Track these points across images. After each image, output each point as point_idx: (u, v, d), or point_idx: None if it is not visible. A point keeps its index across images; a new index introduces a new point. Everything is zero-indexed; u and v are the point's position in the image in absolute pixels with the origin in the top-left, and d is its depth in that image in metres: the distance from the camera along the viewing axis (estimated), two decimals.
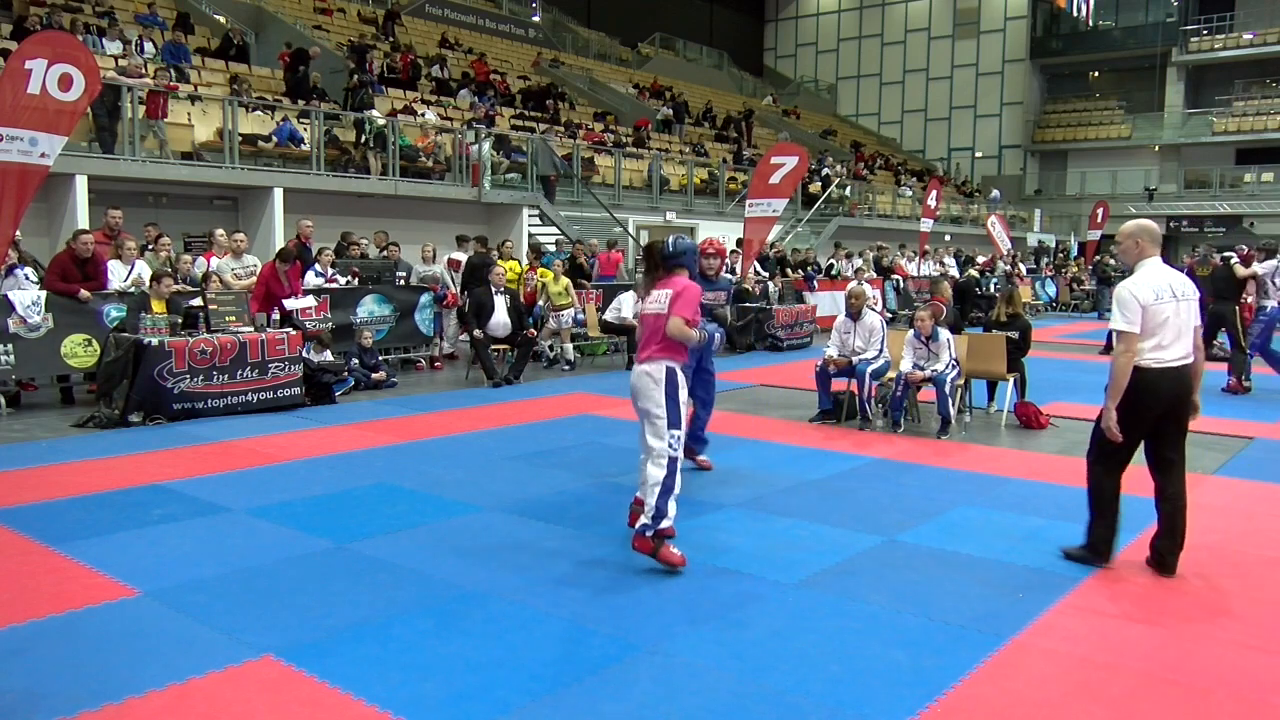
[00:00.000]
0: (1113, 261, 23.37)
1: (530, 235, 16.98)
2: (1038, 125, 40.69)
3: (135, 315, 8.45)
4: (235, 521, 5.35)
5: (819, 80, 44.26)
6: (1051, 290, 25.23)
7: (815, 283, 17.89)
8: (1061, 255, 31.22)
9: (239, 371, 8.52)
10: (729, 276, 15.83)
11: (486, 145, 16.68)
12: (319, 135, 14.49)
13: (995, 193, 35.12)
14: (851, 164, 30.66)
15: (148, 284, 9.23)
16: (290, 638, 3.77)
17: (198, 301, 8.93)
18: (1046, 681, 3.52)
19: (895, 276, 20.14)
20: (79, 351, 8.84)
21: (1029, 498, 6.04)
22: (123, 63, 13.39)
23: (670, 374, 4.58)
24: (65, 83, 8.07)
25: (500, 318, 10.81)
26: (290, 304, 9.66)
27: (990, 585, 4.47)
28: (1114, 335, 4.57)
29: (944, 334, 8.21)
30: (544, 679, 3.45)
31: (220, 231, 11.25)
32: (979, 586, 4.45)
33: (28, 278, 9.06)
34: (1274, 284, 10.98)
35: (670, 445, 4.53)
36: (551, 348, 12.59)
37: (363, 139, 15.38)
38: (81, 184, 11.63)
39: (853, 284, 9.38)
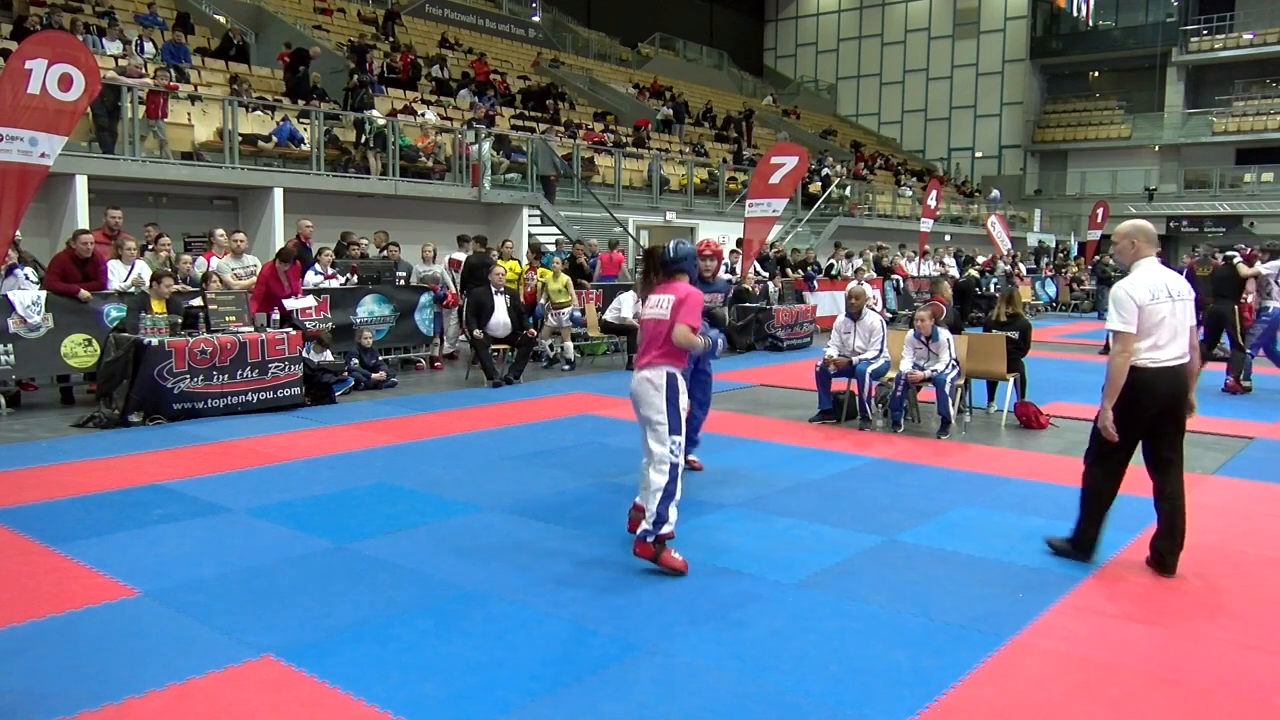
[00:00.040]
0: (1112, 261, 23.37)
1: (530, 235, 16.98)
2: (1038, 125, 40.69)
3: (135, 315, 8.45)
4: (235, 521, 5.35)
5: (819, 80, 44.26)
6: (1051, 290, 25.24)
7: (815, 283, 17.89)
8: (1061, 255, 31.23)
9: (239, 371, 8.52)
10: (727, 277, 15.87)
11: (486, 145, 16.68)
12: (319, 135, 14.49)
13: (995, 193, 35.12)
14: (851, 164, 30.66)
15: (148, 284, 9.23)
16: (290, 638, 3.77)
17: (198, 301, 8.94)
18: (1046, 681, 3.52)
19: (895, 276, 20.15)
20: (79, 351, 8.84)
21: (1029, 498, 6.04)
22: (123, 63, 13.39)
23: (671, 380, 4.58)
24: (65, 83, 8.07)
25: (500, 318, 10.81)
26: (290, 304, 9.66)
27: (990, 585, 4.47)
28: (1110, 335, 4.58)
29: (944, 334, 8.21)
30: (544, 679, 3.45)
31: (220, 231, 11.25)
32: (979, 586, 4.45)
33: (28, 278, 9.06)
34: (1277, 284, 10.98)
35: (672, 451, 4.54)
36: (552, 347, 12.60)
37: (363, 139, 15.38)
38: (81, 184, 11.63)
39: (853, 284, 9.38)
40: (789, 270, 17.96)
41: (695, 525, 5.24)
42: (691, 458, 6.77)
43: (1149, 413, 4.52)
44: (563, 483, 6.34)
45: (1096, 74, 41.52)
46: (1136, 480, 4.80)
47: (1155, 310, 4.45)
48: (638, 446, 4.80)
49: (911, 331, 8.35)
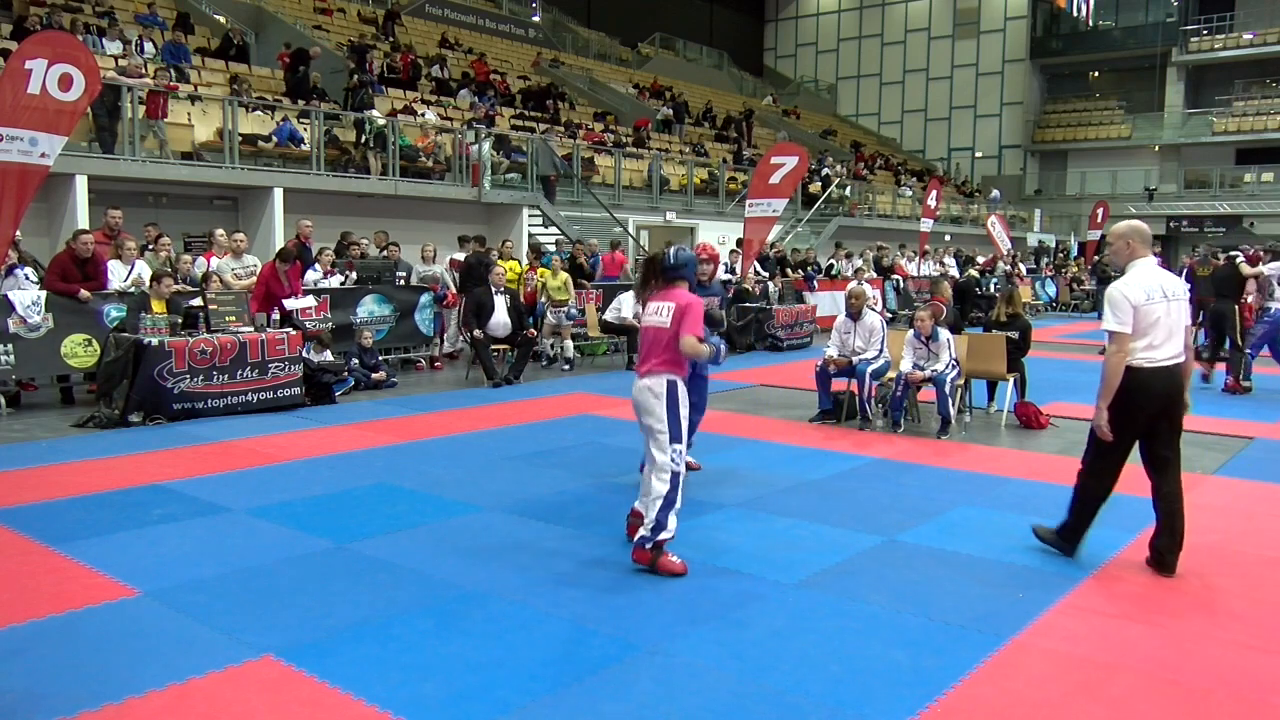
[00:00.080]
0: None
1: (530, 235, 16.98)
2: (1038, 125, 40.69)
3: (135, 315, 8.45)
4: (235, 521, 5.35)
5: (819, 80, 44.26)
6: (1051, 290, 25.24)
7: (815, 283, 17.89)
8: (1061, 255, 31.23)
9: (239, 371, 8.52)
10: (726, 277, 15.88)
11: (486, 145, 16.68)
12: (319, 135, 14.49)
13: (995, 193, 35.13)
14: (851, 164, 30.66)
15: (148, 284, 9.23)
16: (290, 638, 3.77)
17: (198, 301, 8.94)
18: (1046, 681, 3.52)
19: (895, 276, 20.14)
20: (79, 351, 8.84)
21: (1029, 498, 6.04)
22: (123, 63, 13.39)
23: (671, 387, 4.57)
24: (65, 83, 8.07)
25: (500, 318, 10.81)
26: (290, 304, 9.67)
27: (990, 585, 4.47)
28: (1106, 335, 4.59)
29: (944, 334, 8.21)
30: (544, 679, 3.45)
31: (220, 231, 11.25)
32: (979, 586, 4.45)
33: (28, 278, 9.06)
34: (1279, 285, 10.99)
35: (673, 459, 4.54)
36: (552, 346, 12.60)
37: (363, 139, 15.38)
38: (81, 184, 11.63)
39: (853, 284, 9.38)
40: (789, 270, 17.96)
41: (695, 525, 5.24)
42: (688, 458, 6.77)
43: (1146, 413, 4.54)
44: (563, 483, 6.34)
45: (1096, 74, 41.52)
46: (1135, 480, 4.81)
47: (1150, 310, 4.47)
48: (637, 447, 4.80)
49: (911, 331, 8.35)
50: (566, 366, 12.31)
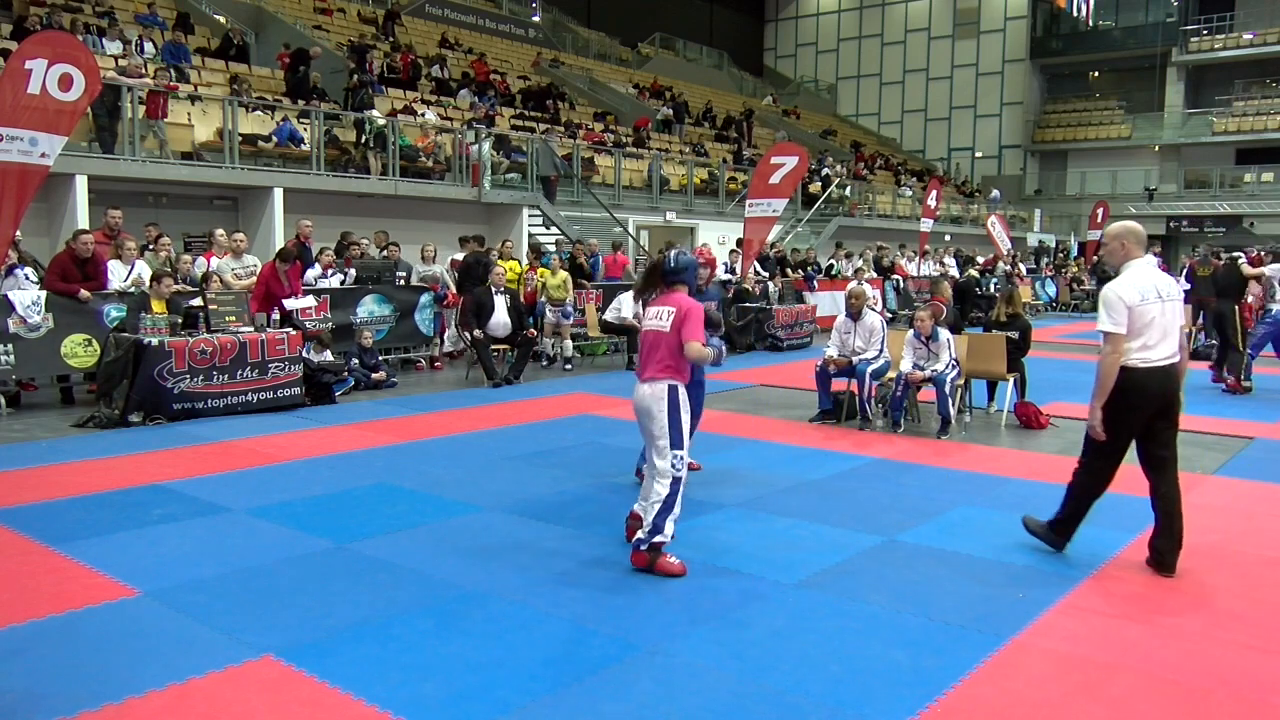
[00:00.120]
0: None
1: (530, 235, 16.98)
2: (1038, 125, 40.69)
3: (135, 315, 8.45)
4: (235, 521, 5.35)
5: (819, 80, 44.26)
6: (1051, 290, 25.24)
7: (815, 283, 17.89)
8: (1061, 255, 31.23)
9: (239, 371, 8.52)
10: (726, 277, 15.89)
11: (486, 145, 16.68)
12: (319, 135, 14.49)
13: (995, 193, 35.12)
14: (851, 164, 30.66)
15: (148, 284, 9.23)
16: (290, 638, 3.77)
17: (198, 301, 8.94)
18: (1046, 681, 3.52)
19: (895, 276, 20.15)
20: (79, 351, 8.84)
21: (1029, 498, 6.03)
22: (123, 63, 13.39)
23: (672, 392, 4.57)
24: (65, 83, 8.08)
25: (500, 318, 10.81)
26: (290, 304, 9.67)
27: (990, 585, 4.47)
28: (1101, 336, 4.60)
29: (944, 334, 8.21)
30: (544, 679, 3.45)
31: (220, 231, 11.25)
32: (979, 586, 4.46)
33: (28, 278, 9.06)
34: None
35: (673, 465, 4.54)
36: (553, 346, 12.60)
37: (363, 139, 15.38)
38: (81, 184, 11.63)
39: (853, 284, 9.38)
40: (789, 270, 17.96)
41: (695, 525, 5.24)
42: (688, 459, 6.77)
43: (1142, 413, 4.56)
44: (563, 483, 6.34)
45: (1096, 74, 41.52)
46: (1134, 480, 4.81)
47: (1145, 311, 4.49)
48: (637, 447, 4.80)
49: (911, 331, 8.35)
50: (567, 366, 12.31)
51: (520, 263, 14.09)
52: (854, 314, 8.57)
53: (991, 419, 8.93)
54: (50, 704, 3.19)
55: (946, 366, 8.06)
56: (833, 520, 5.49)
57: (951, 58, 41.25)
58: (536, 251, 14.81)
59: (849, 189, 27.18)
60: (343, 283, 11.43)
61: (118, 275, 9.46)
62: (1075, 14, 41.34)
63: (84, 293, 8.81)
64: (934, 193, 22.90)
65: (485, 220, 16.71)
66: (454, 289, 12.43)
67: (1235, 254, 12.08)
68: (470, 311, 10.88)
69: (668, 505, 4.52)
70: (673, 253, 4.87)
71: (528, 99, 23.09)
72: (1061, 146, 40.18)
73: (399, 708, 3.21)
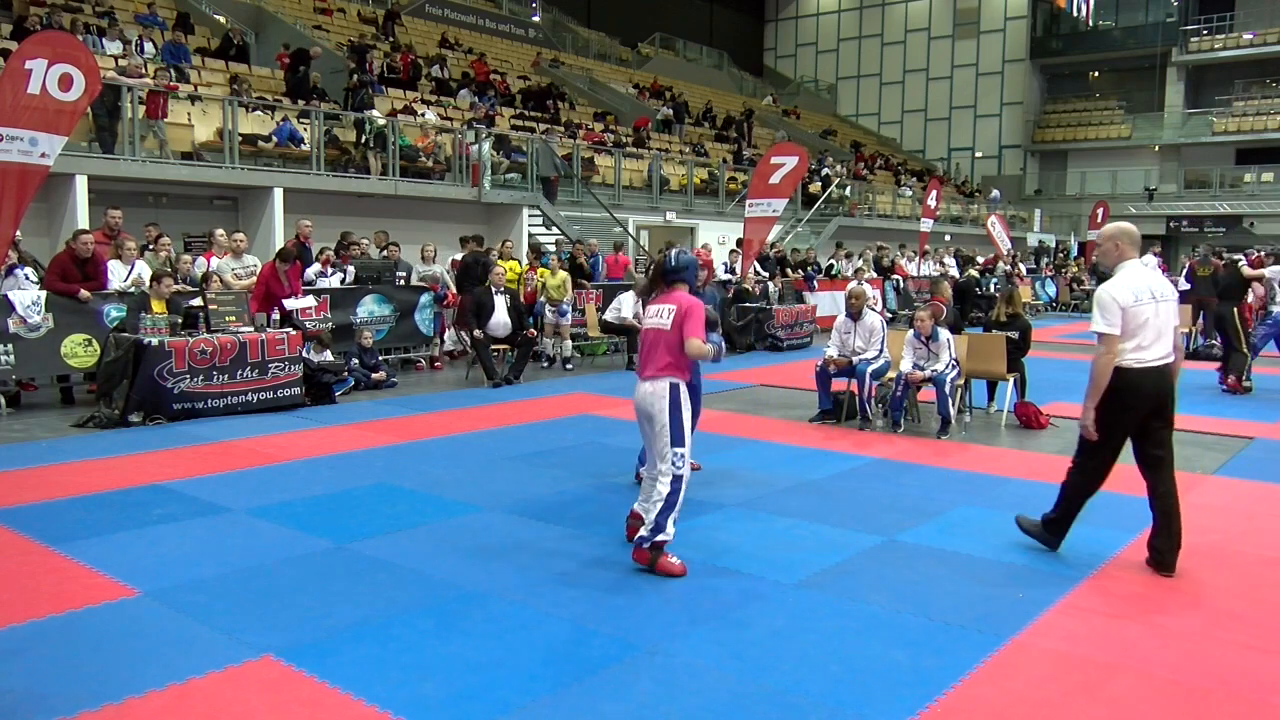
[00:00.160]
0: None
1: (530, 235, 16.98)
2: (1038, 125, 40.69)
3: (135, 315, 8.45)
4: (235, 521, 5.35)
5: (819, 80, 44.26)
6: (1051, 290, 25.24)
7: (815, 283, 17.89)
8: (1061, 255, 31.23)
9: (239, 371, 8.52)
10: (725, 277, 15.89)
11: (486, 145, 16.68)
12: (319, 135, 14.49)
13: (995, 193, 35.13)
14: (851, 164, 30.66)
15: (148, 284, 9.23)
16: (290, 638, 3.77)
17: (198, 301, 8.94)
18: (1046, 681, 3.52)
19: (895, 276, 20.15)
20: (79, 351, 8.84)
21: (1029, 498, 6.03)
22: (123, 63, 13.39)
23: (674, 390, 4.57)
24: (65, 83, 8.08)
25: (500, 318, 10.81)
26: (290, 304, 9.67)
27: (990, 585, 4.48)
28: (1096, 337, 4.62)
29: (944, 334, 8.21)
30: (544, 679, 3.45)
31: (220, 231, 11.25)
32: (979, 586, 4.46)
33: (28, 278, 9.06)
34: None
35: (674, 463, 4.54)
36: (553, 346, 12.59)
37: (363, 139, 15.38)
38: (81, 184, 11.63)
39: (853, 284, 9.38)
40: (789, 270, 17.96)
41: (695, 525, 5.24)
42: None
43: (1138, 413, 4.58)
44: (563, 483, 6.34)
45: (1096, 74, 41.52)
46: (1134, 480, 4.81)
47: (1139, 312, 4.50)
48: (637, 447, 4.80)
49: (911, 331, 8.35)
50: (568, 366, 12.31)
51: (520, 263, 14.10)
52: (854, 314, 8.57)
53: (991, 419, 8.93)
54: (50, 704, 3.19)
55: (946, 366, 8.06)
56: (833, 520, 5.49)
57: (951, 58, 41.26)
58: (536, 251, 14.82)
59: (849, 189, 27.18)
60: (342, 281, 11.43)
61: (118, 275, 9.46)
62: (1075, 14, 41.34)
63: (84, 293, 8.81)
64: (934, 193, 22.90)
65: (485, 220, 16.71)
66: (454, 289, 12.43)
67: (1235, 257, 12.11)
68: (470, 311, 10.88)
69: (669, 504, 4.52)
70: (673, 251, 4.88)
71: (528, 99, 23.09)
72: (1061, 146, 40.18)
73: (399, 708, 3.21)
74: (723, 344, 4.94)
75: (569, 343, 12.53)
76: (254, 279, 10.10)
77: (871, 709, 3.27)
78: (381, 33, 23.41)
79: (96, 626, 3.86)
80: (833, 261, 20.03)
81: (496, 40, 29.03)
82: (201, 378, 8.30)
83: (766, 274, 16.65)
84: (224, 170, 13.26)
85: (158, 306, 8.73)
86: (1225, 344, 11.11)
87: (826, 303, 17.19)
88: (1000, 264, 22.54)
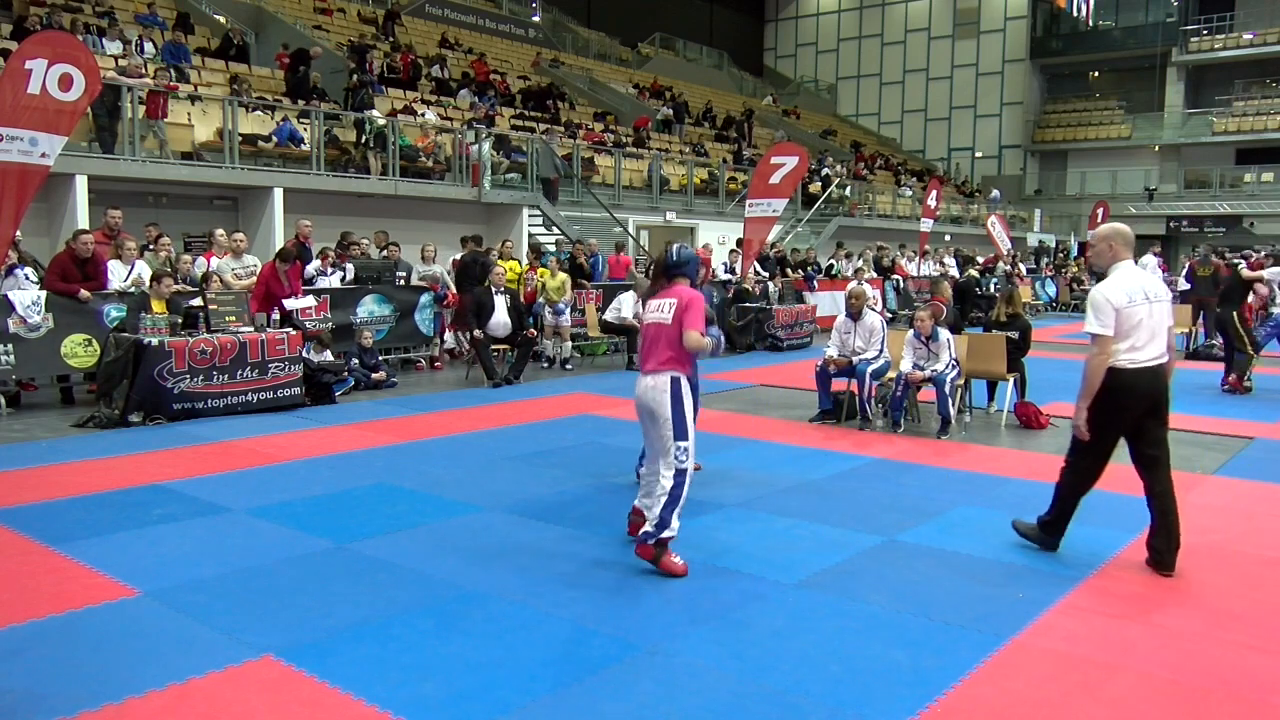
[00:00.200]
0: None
1: (530, 235, 16.98)
2: (1038, 125, 40.69)
3: (135, 315, 8.45)
4: (235, 521, 5.35)
5: (819, 80, 44.26)
6: (1051, 290, 25.24)
7: (815, 283, 17.89)
8: (1061, 255, 31.22)
9: (239, 371, 8.52)
10: (725, 277, 15.88)
11: (486, 145, 16.68)
12: (319, 135, 14.49)
13: (995, 193, 35.12)
14: (851, 164, 30.66)
15: (148, 284, 9.24)
16: (290, 638, 3.77)
17: (198, 301, 8.94)
18: (1046, 681, 3.52)
19: (895, 276, 20.15)
20: (79, 351, 8.84)
21: (1029, 498, 6.03)
22: (123, 63, 13.39)
23: (676, 384, 4.57)
24: (65, 83, 8.08)
25: (500, 318, 10.81)
26: (290, 304, 9.67)
27: (990, 585, 4.48)
28: (1089, 338, 4.62)
29: (944, 334, 8.21)
30: (544, 679, 3.45)
31: (220, 231, 11.25)
32: (979, 586, 4.46)
33: (28, 278, 9.06)
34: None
35: (677, 457, 4.54)
36: (553, 347, 12.59)
37: (363, 139, 15.37)
38: (81, 184, 11.63)
39: (853, 284, 9.38)
40: (789, 270, 17.96)
41: (695, 525, 5.24)
42: None
43: (1131, 413, 4.59)
44: (563, 483, 6.34)
45: (1096, 74, 41.52)
46: (1133, 480, 4.81)
47: (1133, 313, 4.52)
48: (637, 446, 4.80)
49: (911, 331, 8.35)
50: (567, 366, 12.31)
51: (520, 263, 14.10)
52: (854, 314, 8.57)
53: (991, 419, 8.93)
54: (50, 704, 3.19)
55: (946, 366, 8.06)
56: (833, 520, 5.49)
57: (951, 58, 41.26)
58: (536, 251, 14.82)
59: (849, 189, 27.18)
60: (342, 279, 11.43)
61: (118, 275, 9.46)
62: (1075, 14, 41.35)
63: (84, 293, 8.81)
64: (934, 193, 22.90)
65: (485, 220, 16.71)
66: (454, 289, 12.43)
67: (1235, 260, 12.13)
68: (470, 311, 10.88)
69: (674, 498, 4.51)
70: (674, 246, 4.88)
71: (528, 99, 23.09)
72: (1061, 146, 40.18)
73: (399, 708, 3.21)
74: (721, 338, 4.94)
75: (569, 343, 12.53)
76: (254, 279, 10.10)
77: (871, 709, 3.27)
78: (381, 33, 23.41)
79: (96, 626, 3.86)
80: (833, 261, 20.02)
81: (496, 40, 29.03)
82: (201, 378, 8.30)
83: (766, 274, 16.66)
84: (224, 170, 13.26)
85: (158, 306, 8.74)
86: (1227, 346, 11.11)
87: (826, 303, 17.19)
88: (1000, 264, 22.53)
